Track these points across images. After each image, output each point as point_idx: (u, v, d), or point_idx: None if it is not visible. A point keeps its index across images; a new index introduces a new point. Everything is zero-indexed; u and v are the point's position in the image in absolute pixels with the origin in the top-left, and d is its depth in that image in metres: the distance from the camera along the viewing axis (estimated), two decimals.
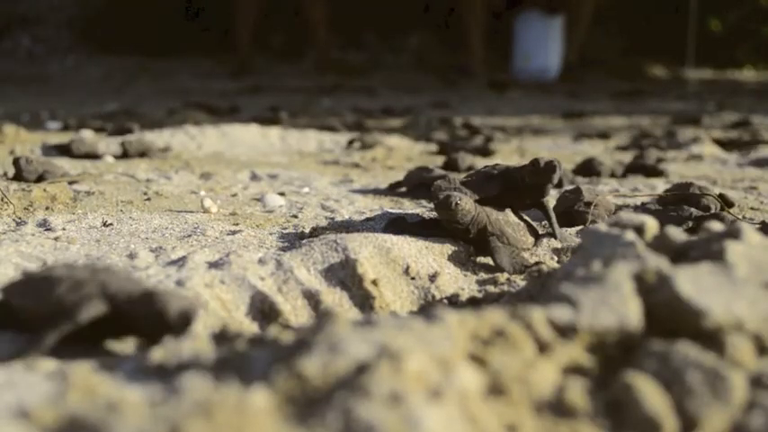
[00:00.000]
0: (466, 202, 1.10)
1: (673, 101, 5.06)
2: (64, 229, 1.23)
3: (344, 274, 1.02)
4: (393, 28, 7.68)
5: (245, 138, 2.72)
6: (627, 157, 2.43)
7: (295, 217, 1.39)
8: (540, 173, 1.15)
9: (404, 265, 1.06)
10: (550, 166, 1.14)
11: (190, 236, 1.21)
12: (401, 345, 0.56)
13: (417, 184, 1.66)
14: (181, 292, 0.79)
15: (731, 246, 0.71)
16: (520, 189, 1.18)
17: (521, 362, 0.58)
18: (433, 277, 1.05)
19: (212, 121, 3.20)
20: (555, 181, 1.16)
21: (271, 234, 1.23)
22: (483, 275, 1.09)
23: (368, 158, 2.32)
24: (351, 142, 2.60)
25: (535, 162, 1.15)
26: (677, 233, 0.77)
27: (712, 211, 1.36)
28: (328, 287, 1.00)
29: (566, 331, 0.61)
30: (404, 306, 1.01)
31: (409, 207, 1.53)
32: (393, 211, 1.40)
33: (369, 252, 1.05)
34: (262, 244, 1.16)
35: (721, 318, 0.62)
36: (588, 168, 2.00)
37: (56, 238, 1.16)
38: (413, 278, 1.05)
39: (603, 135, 3.03)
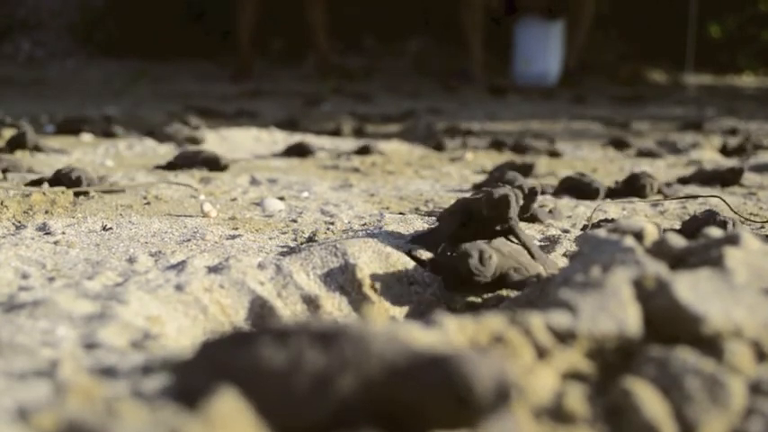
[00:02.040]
0: (496, 257, 1.00)
1: (672, 106, 5.06)
2: (63, 232, 1.23)
3: (344, 279, 1.02)
4: (393, 33, 7.68)
5: (245, 141, 2.72)
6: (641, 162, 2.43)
7: (294, 221, 1.39)
8: (495, 206, 1.05)
9: (403, 269, 1.06)
10: (504, 201, 1.04)
11: (189, 240, 1.21)
12: None
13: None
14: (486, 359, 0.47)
15: (730, 252, 0.71)
16: (481, 221, 1.08)
17: (519, 368, 0.58)
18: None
19: (213, 125, 3.19)
20: (513, 215, 1.05)
21: (270, 238, 1.23)
22: None
23: (367, 163, 2.33)
24: (359, 151, 2.51)
25: (489, 196, 1.05)
26: (676, 239, 0.77)
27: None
28: (327, 292, 1.00)
29: (565, 337, 0.61)
30: (403, 311, 1.01)
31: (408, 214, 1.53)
32: (391, 215, 1.40)
33: (368, 257, 1.05)
34: (261, 248, 1.16)
35: (720, 324, 0.62)
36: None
37: (55, 242, 1.16)
38: (411, 283, 1.05)
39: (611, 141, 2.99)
